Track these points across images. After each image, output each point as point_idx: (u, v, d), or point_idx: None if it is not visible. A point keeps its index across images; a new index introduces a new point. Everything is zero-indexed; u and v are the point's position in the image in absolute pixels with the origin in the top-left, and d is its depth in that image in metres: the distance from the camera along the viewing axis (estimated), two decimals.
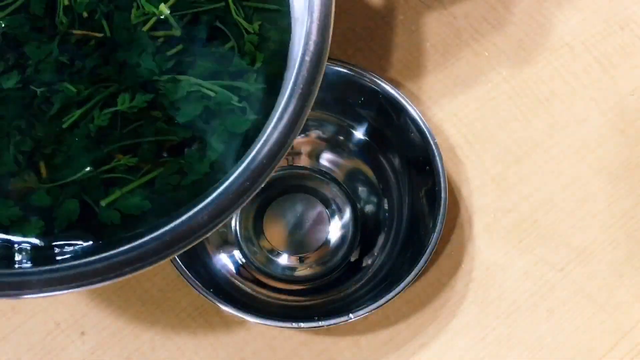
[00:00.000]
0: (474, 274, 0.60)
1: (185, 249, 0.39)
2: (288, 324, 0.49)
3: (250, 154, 0.39)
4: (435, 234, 0.52)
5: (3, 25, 0.44)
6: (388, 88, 0.56)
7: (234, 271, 0.58)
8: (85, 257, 0.39)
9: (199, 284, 0.51)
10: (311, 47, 0.40)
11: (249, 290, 0.56)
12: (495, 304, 0.59)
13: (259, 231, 0.60)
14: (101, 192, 0.42)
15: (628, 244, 0.62)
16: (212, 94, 0.44)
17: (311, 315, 0.50)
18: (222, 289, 0.54)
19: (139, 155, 0.43)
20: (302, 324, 0.49)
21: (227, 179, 0.39)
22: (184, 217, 0.39)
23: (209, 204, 0.39)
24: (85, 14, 0.45)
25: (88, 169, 0.42)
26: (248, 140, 0.43)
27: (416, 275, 0.51)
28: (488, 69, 0.67)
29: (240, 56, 0.46)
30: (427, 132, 0.55)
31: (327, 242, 0.60)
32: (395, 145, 0.59)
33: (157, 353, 0.56)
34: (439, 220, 0.53)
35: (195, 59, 0.46)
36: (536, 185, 0.63)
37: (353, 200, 0.61)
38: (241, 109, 0.44)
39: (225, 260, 0.58)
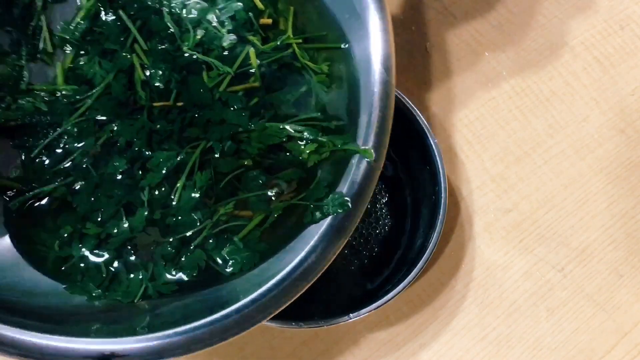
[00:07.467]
0: (474, 274, 0.60)
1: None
2: (288, 324, 0.49)
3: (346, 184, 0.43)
4: (435, 234, 0.52)
5: (97, 110, 0.46)
6: None
7: None
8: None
9: None
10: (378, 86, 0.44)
11: None
12: (495, 304, 0.59)
13: None
14: (220, 244, 0.44)
15: (628, 244, 0.62)
16: (298, 134, 0.46)
17: (311, 315, 0.51)
18: None
19: (251, 207, 0.44)
20: (302, 324, 0.49)
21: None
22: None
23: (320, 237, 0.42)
24: (161, 86, 0.47)
25: (201, 225, 0.43)
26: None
27: (416, 275, 0.51)
28: (488, 69, 0.67)
29: (314, 97, 0.47)
30: (427, 132, 0.55)
31: None
32: (395, 146, 0.59)
33: None
34: (439, 220, 0.53)
35: (273, 105, 0.47)
36: (536, 185, 0.63)
37: None
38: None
39: None
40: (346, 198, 0.42)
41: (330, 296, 0.57)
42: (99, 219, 0.44)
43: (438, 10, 0.69)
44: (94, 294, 0.42)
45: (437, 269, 0.59)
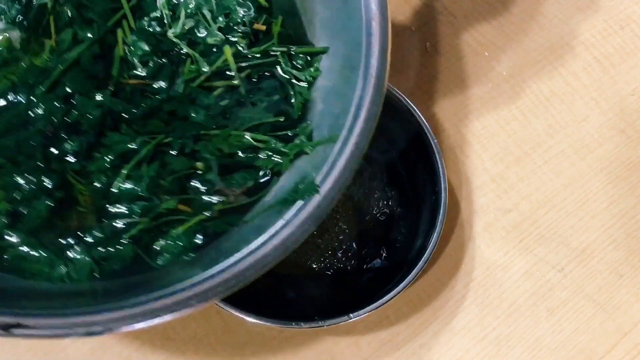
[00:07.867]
0: (474, 274, 0.60)
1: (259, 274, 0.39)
2: (288, 324, 0.49)
3: (321, 174, 0.41)
4: (435, 234, 0.52)
5: (67, 84, 0.45)
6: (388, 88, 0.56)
7: None
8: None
9: None
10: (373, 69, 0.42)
11: None
12: (495, 304, 0.59)
13: None
14: (156, 237, 0.43)
15: (628, 244, 0.62)
16: (262, 145, 0.45)
17: (311, 315, 0.51)
18: None
19: (193, 206, 0.44)
20: (302, 324, 0.49)
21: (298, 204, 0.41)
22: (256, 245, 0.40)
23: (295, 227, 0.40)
24: (139, 64, 0.46)
25: (140, 219, 0.43)
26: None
27: (416, 275, 0.51)
28: (488, 69, 0.67)
29: (289, 105, 0.47)
30: (427, 132, 0.55)
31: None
32: (395, 145, 0.59)
33: (157, 353, 0.56)
34: (439, 221, 0.53)
35: (244, 111, 0.47)
36: (536, 185, 0.63)
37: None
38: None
39: None
40: (316, 183, 0.41)
41: (330, 296, 0.57)
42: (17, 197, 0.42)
43: (438, 10, 0.69)
44: (56, 276, 0.41)
45: (437, 269, 0.59)
